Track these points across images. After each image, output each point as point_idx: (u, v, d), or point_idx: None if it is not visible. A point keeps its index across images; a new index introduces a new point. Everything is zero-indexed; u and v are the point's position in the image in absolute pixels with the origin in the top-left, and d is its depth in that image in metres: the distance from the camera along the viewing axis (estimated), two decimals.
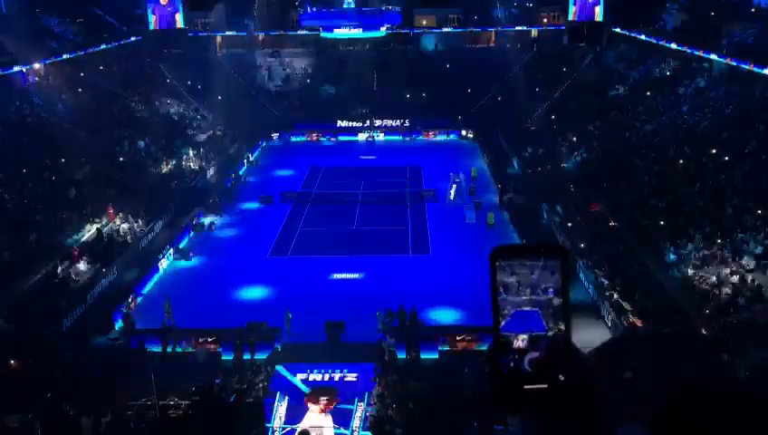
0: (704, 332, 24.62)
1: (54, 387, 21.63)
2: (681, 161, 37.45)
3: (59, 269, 31.37)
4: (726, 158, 35.51)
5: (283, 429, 19.80)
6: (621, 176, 39.74)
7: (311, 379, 23.19)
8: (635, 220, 34.51)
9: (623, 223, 34.94)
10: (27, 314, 27.70)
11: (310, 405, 21.03)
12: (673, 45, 49.12)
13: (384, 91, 66.37)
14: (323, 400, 20.96)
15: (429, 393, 21.50)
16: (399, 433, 18.04)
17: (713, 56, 44.17)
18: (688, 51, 46.84)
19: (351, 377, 22.10)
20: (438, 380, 23.42)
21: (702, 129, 40.15)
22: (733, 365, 21.79)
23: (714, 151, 36.51)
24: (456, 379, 23.28)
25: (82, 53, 54.09)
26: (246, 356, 25.33)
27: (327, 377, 23.35)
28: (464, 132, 62.32)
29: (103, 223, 37.40)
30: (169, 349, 26.49)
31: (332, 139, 62.44)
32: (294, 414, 20.67)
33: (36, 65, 48.42)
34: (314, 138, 62.67)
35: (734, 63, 41.49)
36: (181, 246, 37.09)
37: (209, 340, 25.92)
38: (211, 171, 51.36)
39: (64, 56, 51.62)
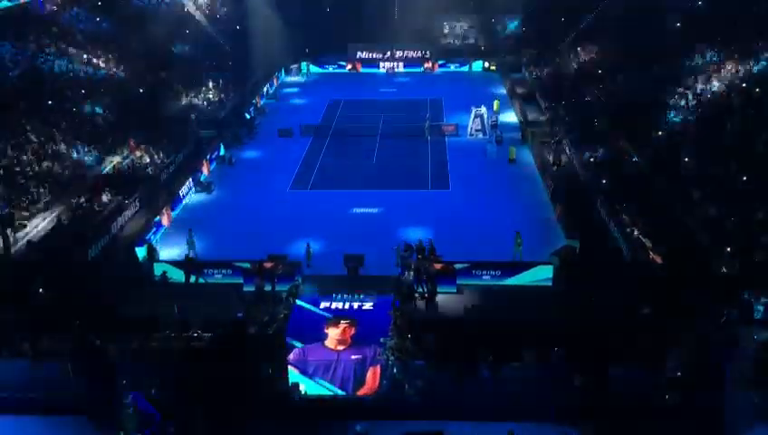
0: (725, 269, 24.49)
1: (81, 315, 22.26)
2: (709, 95, 36.44)
3: (81, 200, 31.81)
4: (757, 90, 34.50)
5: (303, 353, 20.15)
6: (647, 112, 38.82)
7: (332, 307, 23.56)
8: (660, 158, 33.91)
9: (648, 160, 34.38)
10: (53, 243, 28.25)
11: (330, 330, 21.33)
12: None
13: (405, 20, 64.84)
14: (344, 323, 21.19)
15: (446, 326, 21.79)
16: (417, 364, 18.38)
17: None
18: None
19: (368, 306, 22.30)
20: (456, 313, 23.76)
21: None
22: (752, 302, 21.73)
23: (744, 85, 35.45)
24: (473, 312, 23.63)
25: None
26: (268, 288, 25.79)
27: (347, 305, 23.67)
28: (486, 64, 61.06)
29: (124, 155, 37.61)
30: (192, 280, 27.02)
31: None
32: (313, 340, 21.09)
33: None
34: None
35: None
36: (202, 178, 37.29)
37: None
38: (231, 103, 51.08)
39: None
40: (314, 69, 62.54)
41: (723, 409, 15.48)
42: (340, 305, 23.57)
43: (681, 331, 19.83)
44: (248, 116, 47.44)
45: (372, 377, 18.99)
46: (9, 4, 41.70)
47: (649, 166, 33.91)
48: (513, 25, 64.59)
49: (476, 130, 43.72)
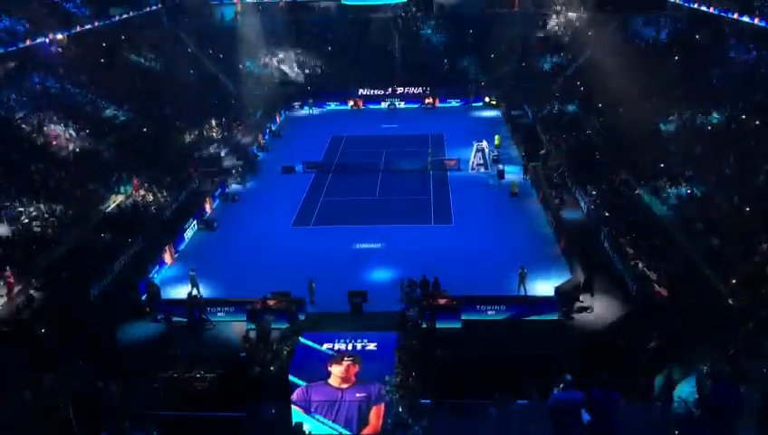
0: (730, 302, 24.32)
1: (84, 354, 22.13)
2: (709, 128, 36.65)
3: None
4: (757, 122, 34.67)
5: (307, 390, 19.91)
6: (647, 143, 39.01)
7: (335, 348, 23.35)
8: (661, 189, 33.98)
9: (649, 191, 34.45)
10: (56, 283, 28.19)
11: (333, 368, 21.14)
12: (702, 8, 47.63)
13: (406, 57, 65.70)
14: (347, 360, 21.01)
15: (452, 362, 21.58)
16: (423, 403, 18.12)
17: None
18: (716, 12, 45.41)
19: (372, 346, 22.15)
20: (460, 349, 23.52)
21: (732, 92, 39.11)
22: (759, 336, 21.50)
23: (743, 117, 35.65)
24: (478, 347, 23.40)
25: (104, 22, 54.00)
26: (271, 325, 25.60)
27: (350, 346, 23.48)
28: (487, 99, 61.59)
29: (128, 193, 37.74)
30: (195, 318, 26.84)
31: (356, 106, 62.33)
32: (316, 378, 20.87)
33: (59, 36, 48.49)
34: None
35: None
36: (205, 216, 37.36)
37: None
38: (234, 141, 51.45)
39: (87, 26, 51.64)
40: (317, 106, 63.12)
41: None
42: (343, 346, 23.43)
43: (688, 364, 19.62)
44: (251, 153, 47.70)
45: (376, 416, 18.73)
46: (14, 46, 42.31)
47: (651, 196, 33.99)
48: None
49: (478, 165, 43.88)
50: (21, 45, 42.84)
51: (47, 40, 46.75)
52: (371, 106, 62.41)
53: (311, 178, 43.88)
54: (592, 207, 34.64)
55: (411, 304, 26.02)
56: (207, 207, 38.43)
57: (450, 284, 27.38)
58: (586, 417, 10.98)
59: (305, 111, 62.39)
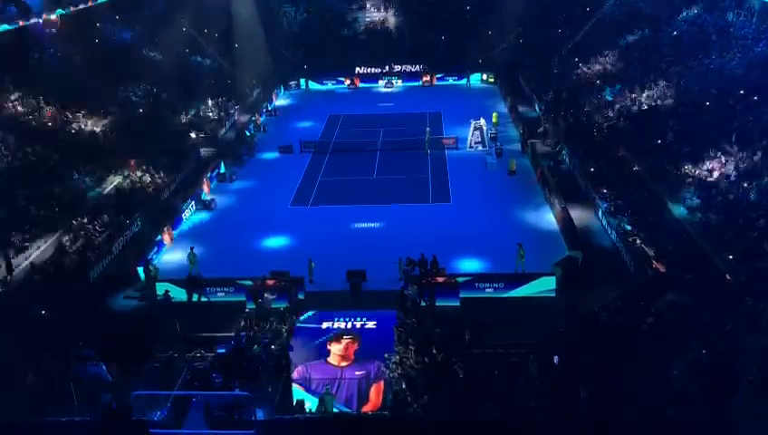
0: (728, 277, 24.40)
1: (83, 337, 22.18)
2: (708, 103, 36.50)
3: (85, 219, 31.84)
4: (756, 98, 34.55)
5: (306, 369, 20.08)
6: (645, 120, 38.87)
7: (334, 326, 23.50)
8: (659, 165, 33.93)
9: (647, 168, 34.40)
10: (54, 265, 28.22)
11: (332, 346, 21.28)
12: None
13: (402, 35, 65.24)
14: (346, 338, 21.18)
15: (451, 339, 21.70)
16: (421, 381, 18.27)
17: None
18: None
19: (371, 325, 22.31)
20: (459, 327, 23.63)
21: (730, 69, 38.93)
22: (756, 309, 21.62)
23: (741, 92, 35.49)
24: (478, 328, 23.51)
25: (99, 2, 53.41)
26: (271, 305, 25.69)
27: (349, 325, 23.62)
28: (484, 76, 61.28)
29: (125, 175, 37.64)
30: (195, 298, 26.97)
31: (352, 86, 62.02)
32: (316, 357, 21.04)
33: (53, 16, 47.98)
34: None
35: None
36: (203, 196, 37.33)
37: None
38: (230, 121, 51.23)
39: (81, 6, 51.09)
40: (313, 85, 62.79)
41: (729, 420, 15.33)
42: (342, 325, 23.55)
43: (686, 340, 19.76)
44: (248, 133, 47.57)
45: (376, 393, 18.93)
46: (9, 27, 41.91)
47: (649, 174, 33.94)
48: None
49: (476, 143, 43.77)
50: (15, 26, 42.40)
51: (40, 21, 46.27)
52: (369, 85, 62.07)
53: (308, 157, 43.77)
54: (590, 184, 34.61)
55: (410, 282, 26.16)
56: (205, 188, 38.37)
57: (448, 262, 27.44)
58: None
59: (302, 89, 62.13)
